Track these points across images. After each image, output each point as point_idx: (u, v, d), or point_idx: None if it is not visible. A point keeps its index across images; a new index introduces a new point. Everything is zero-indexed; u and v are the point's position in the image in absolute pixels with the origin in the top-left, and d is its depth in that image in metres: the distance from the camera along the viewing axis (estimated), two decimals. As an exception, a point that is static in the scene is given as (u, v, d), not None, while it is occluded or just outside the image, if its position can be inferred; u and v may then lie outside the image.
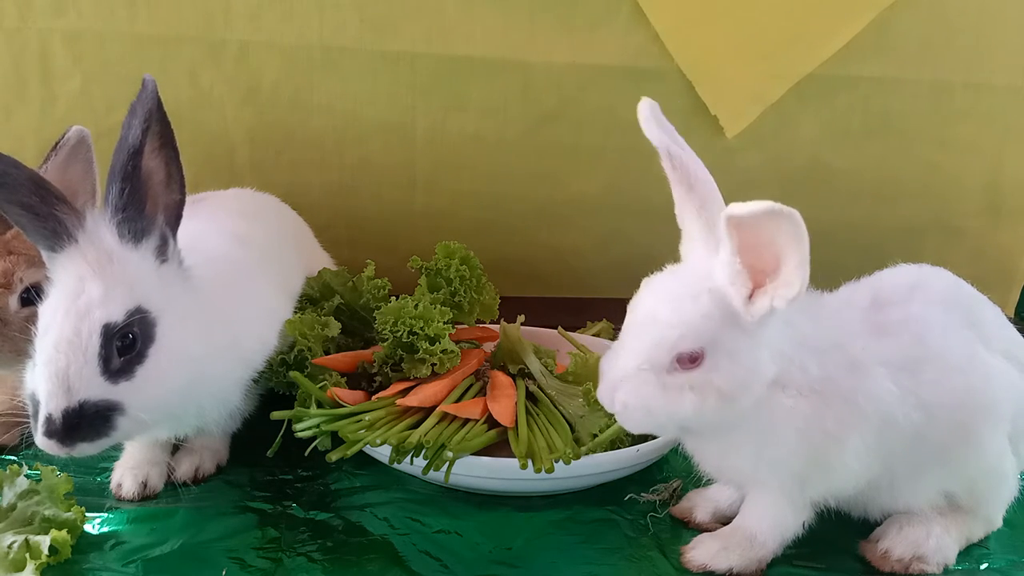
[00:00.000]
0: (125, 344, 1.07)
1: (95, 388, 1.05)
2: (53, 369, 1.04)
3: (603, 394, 1.06)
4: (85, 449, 1.06)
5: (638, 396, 1.02)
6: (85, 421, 1.04)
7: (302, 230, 1.79)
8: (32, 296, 1.25)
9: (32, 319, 1.32)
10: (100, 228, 1.10)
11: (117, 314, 1.07)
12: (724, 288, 1.00)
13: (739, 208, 0.91)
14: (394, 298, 1.48)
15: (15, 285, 1.35)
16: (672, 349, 1.01)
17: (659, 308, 1.03)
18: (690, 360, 1.01)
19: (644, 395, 1.02)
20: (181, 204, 1.17)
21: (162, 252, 1.15)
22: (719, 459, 1.14)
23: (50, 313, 1.07)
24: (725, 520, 1.21)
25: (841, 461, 1.07)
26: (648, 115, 1.09)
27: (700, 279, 1.02)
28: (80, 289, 1.07)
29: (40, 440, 1.04)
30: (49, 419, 1.03)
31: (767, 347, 1.03)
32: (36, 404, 1.06)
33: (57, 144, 1.43)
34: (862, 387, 1.06)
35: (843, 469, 1.08)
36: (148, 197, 1.13)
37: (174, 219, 1.17)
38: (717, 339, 1.00)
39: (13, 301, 1.35)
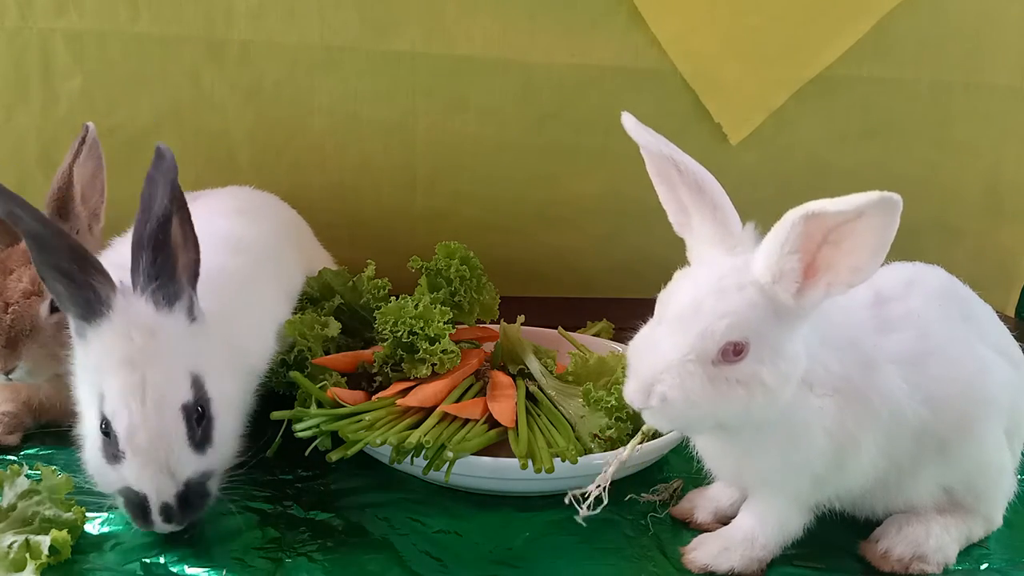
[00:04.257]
0: (198, 415, 1.11)
1: (192, 465, 1.09)
2: (156, 466, 1.06)
3: (635, 390, 0.99)
4: (193, 518, 1.11)
5: (683, 389, 0.96)
6: (192, 497, 1.09)
7: (302, 229, 1.79)
8: None
9: (62, 324, 1.32)
10: (134, 301, 1.10)
11: (185, 391, 1.10)
12: (767, 282, 0.97)
13: (835, 204, 0.90)
14: (394, 298, 1.48)
15: (46, 292, 1.35)
16: (721, 339, 0.96)
17: (704, 298, 0.99)
18: (735, 352, 0.97)
19: (689, 388, 0.96)
20: (198, 262, 1.18)
21: (191, 312, 1.16)
22: (739, 460, 1.11)
23: (120, 402, 1.06)
24: (726, 520, 1.21)
25: (856, 462, 1.06)
26: (634, 125, 1.07)
27: (740, 271, 0.99)
28: (142, 378, 1.07)
29: (160, 528, 1.09)
30: (166, 507, 1.07)
31: (801, 341, 1.01)
32: (136, 495, 1.08)
33: (81, 142, 1.43)
34: (875, 385, 1.06)
35: (856, 470, 1.07)
36: (176, 262, 1.14)
37: (194, 277, 1.18)
38: (762, 331, 0.98)
39: (44, 308, 1.36)
